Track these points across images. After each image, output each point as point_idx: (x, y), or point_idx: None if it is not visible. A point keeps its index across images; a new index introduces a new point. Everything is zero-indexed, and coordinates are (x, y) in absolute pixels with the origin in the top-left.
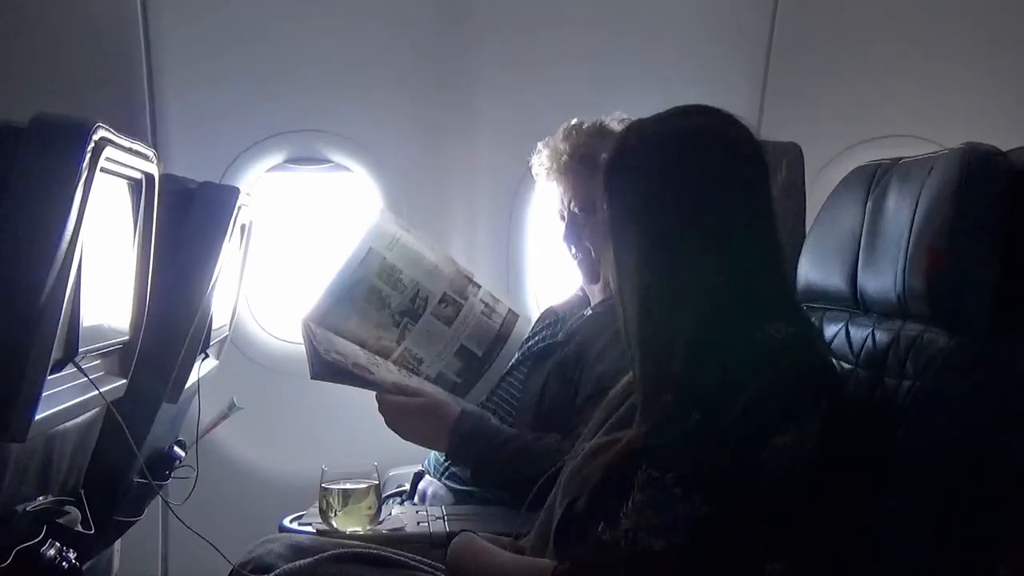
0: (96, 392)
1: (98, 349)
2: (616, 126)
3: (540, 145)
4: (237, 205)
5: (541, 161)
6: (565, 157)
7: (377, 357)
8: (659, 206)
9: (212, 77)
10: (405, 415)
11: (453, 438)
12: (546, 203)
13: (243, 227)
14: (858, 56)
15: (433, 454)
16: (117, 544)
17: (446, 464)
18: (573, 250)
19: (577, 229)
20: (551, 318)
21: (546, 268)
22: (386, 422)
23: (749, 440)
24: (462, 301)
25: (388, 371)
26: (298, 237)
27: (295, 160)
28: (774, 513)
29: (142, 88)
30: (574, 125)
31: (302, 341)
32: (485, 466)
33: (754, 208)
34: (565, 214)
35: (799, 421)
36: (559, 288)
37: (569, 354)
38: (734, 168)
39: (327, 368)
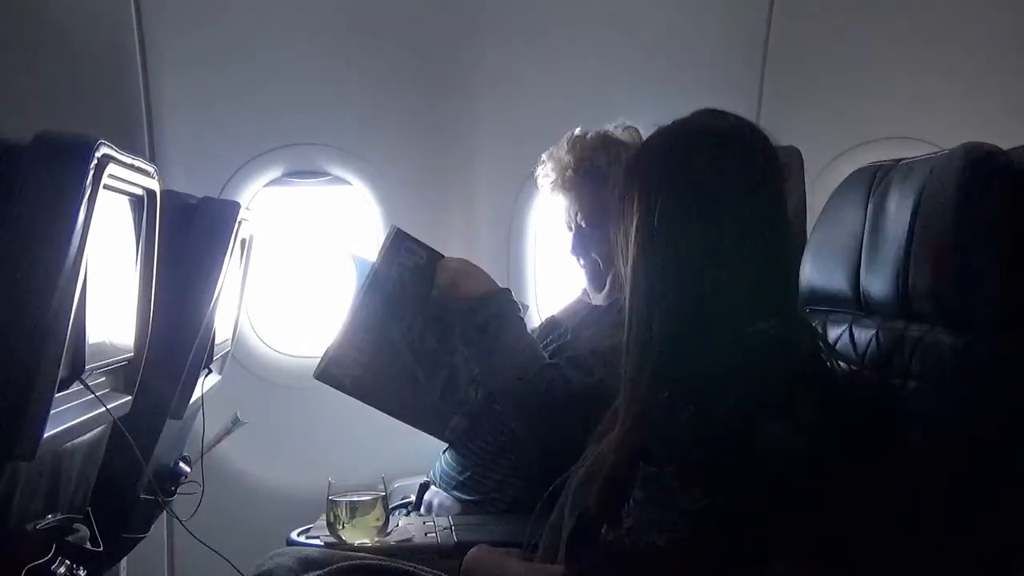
0: (103, 409)
1: (103, 366)
2: (619, 134)
3: (544, 156)
4: (238, 220)
5: (546, 173)
6: (569, 171)
7: None
8: (696, 209)
9: (209, 92)
10: (466, 265)
11: (493, 291)
12: (551, 213)
13: (243, 242)
14: (854, 59)
15: (439, 465)
16: (123, 562)
17: (453, 475)
18: (581, 261)
19: (584, 241)
20: (552, 325)
21: (547, 277)
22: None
23: (743, 432)
24: None
25: None
26: (298, 251)
27: (294, 174)
28: (774, 506)
29: (139, 104)
30: (577, 136)
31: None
32: (490, 330)
33: (773, 206)
34: (573, 226)
35: (792, 412)
36: (561, 297)
37: (572, 343)
38: (761, 166)
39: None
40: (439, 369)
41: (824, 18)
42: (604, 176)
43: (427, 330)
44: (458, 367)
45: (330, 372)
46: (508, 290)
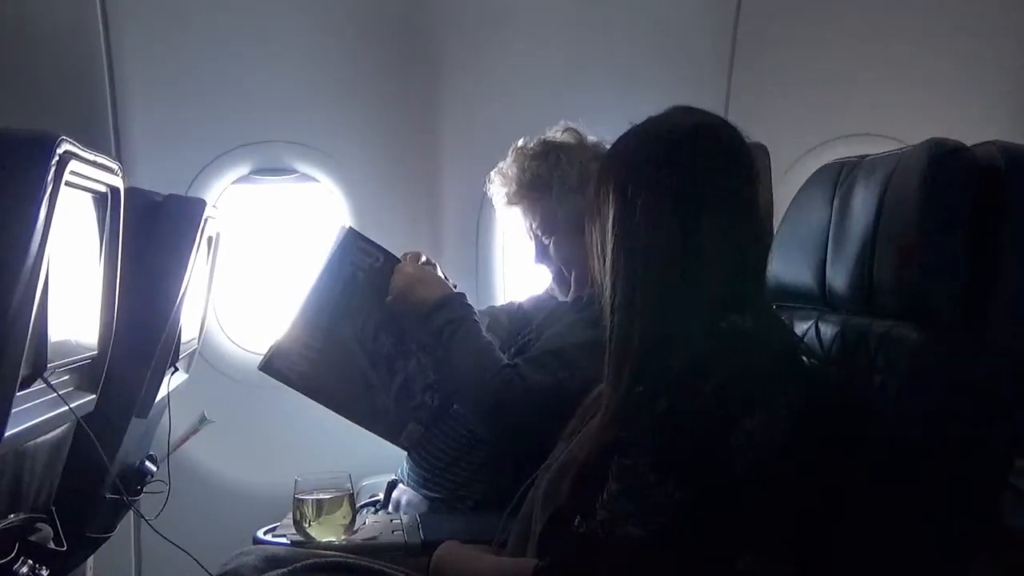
0: (66, 408)
1: (66, 364)
2: (559, 137)
3: (492, 174)
4: (204, 217)
5: (495, 190)
6: (515, 185)
7: None
8: (674, 204)
9: (176, 89)
10: (420, 271)
11: (447, 295)
12: (509, 225)
13: (210, 239)
14: (822, 56)
15: (406, 463)
16: (90, 561)
17: (419, 473)
18: (547, 268)
19: (544, 249)
20: (522, 318)
21: (516, 273)
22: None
23: (717, 424)
24: None
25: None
26: (266, 248)
27: (261, 171)
28: (746, 499)
29: (105, 101)
30: (519, 148)
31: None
32: (446, 335)
33: (746, 201)
34: (531, 236)
35: (766, 406)
36: (530, 293)
37: (536, 339)
38: (735, 163)
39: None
40: (394, 374)
41: (792, 16)
42: (548, 184)
43: (381, 332)
44: (414, 373)
45: (274, 365)
46: (463, 293)
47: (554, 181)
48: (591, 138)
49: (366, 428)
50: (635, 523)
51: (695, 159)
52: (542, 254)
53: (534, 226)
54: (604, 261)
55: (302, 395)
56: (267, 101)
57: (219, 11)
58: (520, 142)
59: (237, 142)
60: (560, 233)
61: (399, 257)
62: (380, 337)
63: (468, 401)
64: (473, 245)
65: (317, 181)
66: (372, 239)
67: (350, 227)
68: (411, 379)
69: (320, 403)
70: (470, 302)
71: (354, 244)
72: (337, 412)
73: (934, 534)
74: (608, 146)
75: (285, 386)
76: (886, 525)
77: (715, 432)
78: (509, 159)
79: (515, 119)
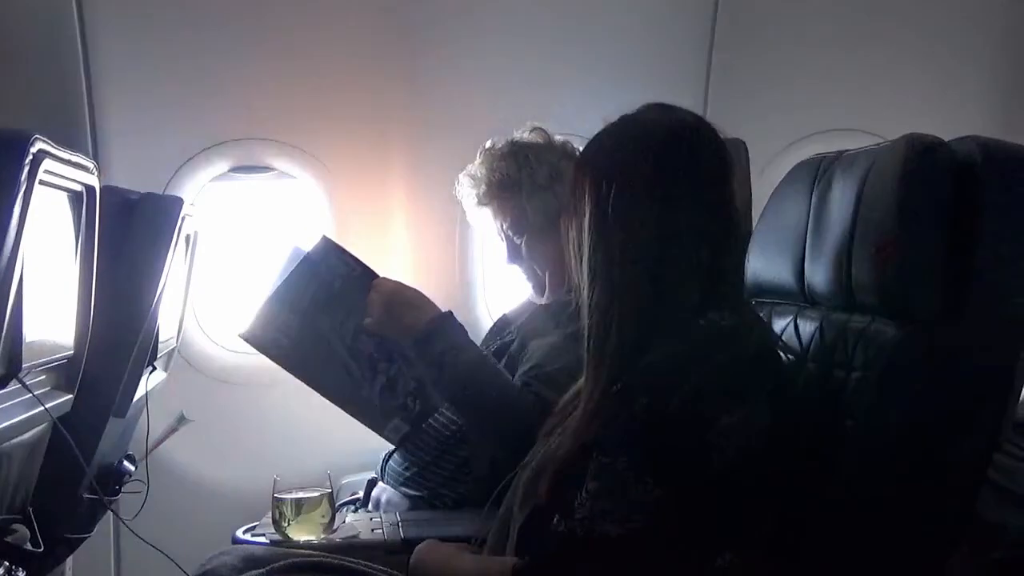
0: (41, 408)
1: (42, 364)
2: (527, 137)
3: (460, 176)
4: (181, 215)
5: (465, 192)
6: (483, 186)
7: None
8: (651, 201)
9: (153, 87)
10: (401, 290)
11: (436, 320)
12: (480, 227)
13: (188, 238)
14: (800, 51)
15: (390, 461)
16: (69, 561)
17: (399, 471)
18: (519, 268)
19: (516, 249)
20: (502, 323)
21: (497, 278)
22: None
23: (696, 421)
24: None
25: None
26: (246, 246)
27: (240, 169)
28: (725, 496)
29: (82, 99)
30: (488, 149)
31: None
32: (448, 365)
33: (722, 198)
34: (502, 236)
35: (745, 403)
36: (510, 297)
37: (516, 346)
38: (710, 159)
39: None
40: (376, 375)
41: (769, 11)
42: (517, 184)
43: (362, 335)
44: (396, 378)
45: (255, 333)
46: (450, 313)
47: (523, 180)
48: (558, 138)
49: (350, 414)
50: (612, 522)
51: (671, 157)
52: (514, 255)
53: (505, 227)
54: (581, 261)
55: (281, 394)
56: (245, 99)
57: (196, 9)
58: (488, 143)
59: (215, 140)
60: (532, 232)
61: (376, 273)
62: (360, 339)
63: (487, 426)
64: (453, 242)
65: (295, 178)
66: (350, 251)
67: (326, 237)
68: (393, 382)
69: (304, 381)
70: (451, 306)
71: (332, 253)
72: (320, 393)
73: (912, 529)
74: (575, 146)
75: (265, 385)
76: (864, 521)
77: (693, 430)
78: (477, 161)
79: (498, 119)
